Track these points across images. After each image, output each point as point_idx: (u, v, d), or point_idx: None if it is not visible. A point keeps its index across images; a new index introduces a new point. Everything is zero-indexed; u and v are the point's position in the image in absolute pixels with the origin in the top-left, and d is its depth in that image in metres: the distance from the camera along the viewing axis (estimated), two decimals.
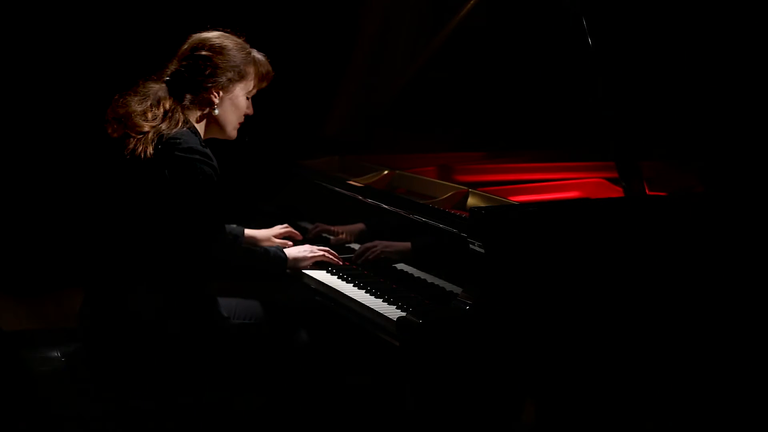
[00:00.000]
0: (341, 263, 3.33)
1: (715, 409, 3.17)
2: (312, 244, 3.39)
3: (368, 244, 3.32)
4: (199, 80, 2.98)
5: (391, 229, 3.26)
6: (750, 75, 3.55)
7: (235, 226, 3.35)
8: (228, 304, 3.05)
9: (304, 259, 3.25)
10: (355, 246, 3.43)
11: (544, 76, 3.94)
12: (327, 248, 3.32)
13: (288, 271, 3.24)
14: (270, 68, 3.12)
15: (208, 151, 2.92)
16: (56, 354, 3.05)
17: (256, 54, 3.09)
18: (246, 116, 3.12)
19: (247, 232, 3.37)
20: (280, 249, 3.22)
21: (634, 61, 3.56)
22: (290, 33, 4.83)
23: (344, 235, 3.52)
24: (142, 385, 2.85)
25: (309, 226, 3.74)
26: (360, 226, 3.44)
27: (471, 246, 2.81)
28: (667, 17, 3.65)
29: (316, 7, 4.87)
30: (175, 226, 2.86)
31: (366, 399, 3.34)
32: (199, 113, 3.02)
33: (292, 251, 3.25)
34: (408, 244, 3.18)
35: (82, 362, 2.95)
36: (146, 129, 2.89)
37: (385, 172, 3.61)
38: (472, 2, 3.69)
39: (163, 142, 2.87)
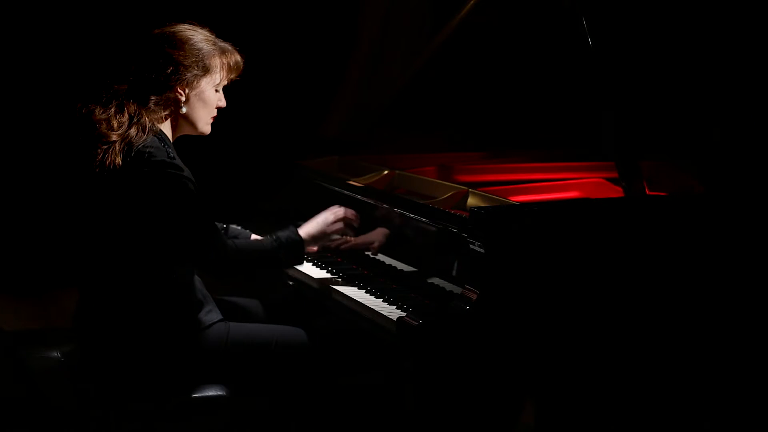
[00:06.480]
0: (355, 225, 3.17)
1: (714, 408, 3.17)
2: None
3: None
4: (162, 80, 2.79)
5: (391, 229, 3.26)
6: (750, 75, 3.55)
7: (240, 228, 3.28)
8: (228, 304, 3.03)
9: (323, 235, 3.06)
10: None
11: (544, 76, 3.94)
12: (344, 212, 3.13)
13: (307, 256, 3.05)
14: (239, 58, 2.91)
15: (177, 161, 2.77)
16: (56, 354, 3.05)
17: (222, 44, 2.89)
18: (219, 109, 2.94)
19: (300, 231, 3.05)
20: (294, 231, 3.02)
21: (634, 60, 3.56)
22: (290, 33, 4.84)
23: (375, 244, 3.34)
24: (140, 385, 2.84)
25: None
26: (384, 230, 3.31)
27: (471, 246, 2.81)
28: (667, 17, 3.65)
29: (316, 8, 4.87)
30: (160, 241, 2.77)
31: (366, 399, 3.34)
32: (165, 113, 2.85)
33: (309, 229, 3.04)
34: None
35: (80, 363, 2.95)
36: (113, 138, 2.73)
37: (385, 172, 3.60)
38: (472, 2, 3.69)
39: (132, 154, 2.73)
